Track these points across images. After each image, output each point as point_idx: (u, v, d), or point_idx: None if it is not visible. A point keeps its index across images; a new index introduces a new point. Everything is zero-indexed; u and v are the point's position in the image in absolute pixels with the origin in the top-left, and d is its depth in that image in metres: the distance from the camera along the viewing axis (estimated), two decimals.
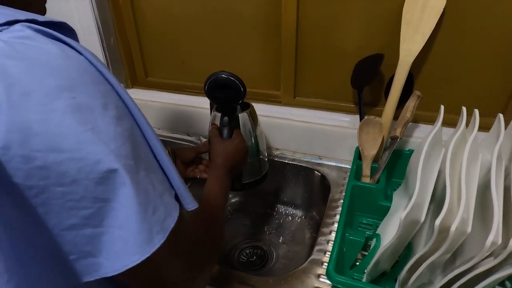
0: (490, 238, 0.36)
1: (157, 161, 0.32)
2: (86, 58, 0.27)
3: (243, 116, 0.68)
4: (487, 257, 0.39)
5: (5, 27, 0.24)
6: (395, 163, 0.74)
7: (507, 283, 0.47)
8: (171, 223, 0.30)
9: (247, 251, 0.86)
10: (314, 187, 0.87)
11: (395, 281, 0.52)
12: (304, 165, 0.87)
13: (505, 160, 0.46)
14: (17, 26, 0.25)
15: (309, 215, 0.90)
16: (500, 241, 0.37)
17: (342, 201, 0.73)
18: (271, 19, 0.82)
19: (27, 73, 0.23)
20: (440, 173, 0.47)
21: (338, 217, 0.69)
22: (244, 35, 0.87)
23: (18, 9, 0.28)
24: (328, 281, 0.55)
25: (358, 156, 0.73)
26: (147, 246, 0.27)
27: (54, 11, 0.95)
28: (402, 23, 0.72)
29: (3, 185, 0.23)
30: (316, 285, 0.55)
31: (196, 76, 0.96)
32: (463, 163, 0.41)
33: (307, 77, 0.86)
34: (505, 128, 0.46)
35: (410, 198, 0.56)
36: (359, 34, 0.77)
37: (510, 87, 0.72)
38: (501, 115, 0.48)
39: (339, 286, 0.47)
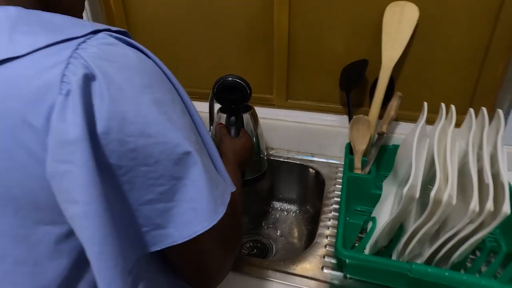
0: (472, 206, 0.44)
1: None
2: (153, 61, 0.33)
3: (246, 117, 0.74)
4: (467, 224, 0.48)
5: (91, 35, 0.29)
6: (381, 157, 0.83)
7: (485, 244, 0.57)
8: (227, 197, 0.35)
9: (248, 245, 0.91)
10: (308, 183, 0.94)
11: (390, 256, 0.60)
12: (298, 162, 0.94)
13: (476, 147, 0.55)
14: (101, 35, 0.30)
15: (303, 209, 0.97)
16: (478, 209, 0.45)
17: (336, 192, 0.81)
18: (264, 29, 0.90)
19: (119, 73, 0.28)
20: (426, 159, 0.55)
21: (334, 206, 0.76)
22: (238, 43, 0.94)
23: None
24: (332, 260, 0.62)
25: (349, 151, 0.82)
26: (214, 215, 0.33)
27: None
28: (383, 33, 0.82)
29: (101, 164, 0.27)
30: (322, 264, 0.61)
31: (191, 82, 1.01)
32: (447, 149, 0.50)
33: (298, 81, 0.94)
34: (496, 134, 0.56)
35: (399, 186, 0.65)
36: (345, 42, 0.86)
37: (473, 87, 0.83)
38: (472, 110, 0.58)
39: (347, 260, 0.54)
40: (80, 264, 0.31)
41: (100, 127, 0.27)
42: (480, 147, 0.54)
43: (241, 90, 0.66)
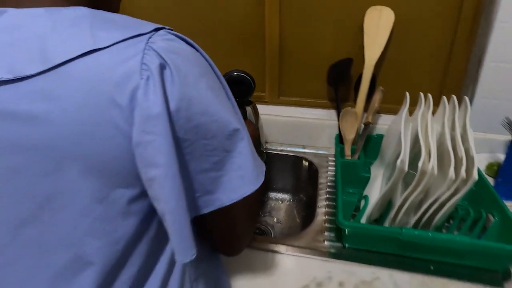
0: (450, 174, 0.54)
1: None
2: (200, 53, 0.39)
3: (248, 110, 0.81)
4: (445, 191, 0.57)
5: (154, 32, 0.35)
6: (367, 145, 0.92)
7: (458, 212, 0.67)
8: (264, 168, 0.43)
9: None
10: (301, 173, 1.02)
11: None
12: (291, 154, 1.02)
13: (449, 129, 0.65)
14: (161, 32, 0.36)
15: (297, 198, 1.05)
16: (454, 177, 0.55)
17: (329, 178, 0.89)
18: (256, 31, 0.98)
19: (183, 64, 0.35)
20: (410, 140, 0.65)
21: (328, 190, 0.84)
22: (231, 44, 1.01)
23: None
24: (331, 234, 0.70)
25: (339, 141, 0.91)
26: (256, 181, 0.40)
27: None
28: (364, 34, 0.92)
29: (173, 137, 0.33)
30: (323, 238, 0.69)
31: None
32: (428, 130, 0.59)
33: (289, 79, 1.03)
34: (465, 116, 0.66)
35: (385, 168, 0.74)
36: (332, 42, 0.95)
37: (443, 79, 0.94)
38: (445, 98, 0.68)
39: (348, 229, 0.62)
40: (144, 224, 0.37)
41: (172, 106, 0.33)
42: (453, 128, 0.64)
43: (246, 84, 0.73)
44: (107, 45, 0.32)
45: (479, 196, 0.71)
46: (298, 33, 0.96)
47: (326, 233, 0.71)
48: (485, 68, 0.87)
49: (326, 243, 0.69)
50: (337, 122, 0.95)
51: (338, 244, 0.68)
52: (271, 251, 0.66)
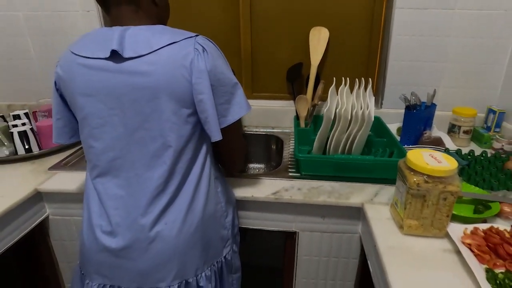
0: (359, 115, 0.92)
1: None
2: (217, 48, 0.75)
3: None
4: (355, 128, 0.95)
5: (196, 35, 0.71)
6: (314, 120, 1.30)
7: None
8: (249, 105, 0.78)
9: None
10: (271, 146, 1.38)
11: None
12: (263, 133, 1.38)
13: (361, 97, 1.05)
14: (200, 36, 0.71)
15: (269, 165, 1.41)
16: (360, 118, 0.93)
17: (291, 148, 1.25)
18: (234, 44, 1.36)
19: (211, 49, 0.70)
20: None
21: (290, 151, 1.20)
22: None
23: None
24: (294, 174, 1.06)
25: (296, 118, 1.28)
26: (248, 108, 0.76)
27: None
28: (310, 45, 1.33)
29: (209, 89, 0.69)
30: (288, 172, 1.05)
31: None
32: (344, 96, 0.98)
33: (259, 79, 1.41)
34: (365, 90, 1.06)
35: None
36: (289, 51, 1.36)
37: (365, 76, 1.36)
38: (357, 79, 1.08)
39: (301, 159, 0.98)
40: (193, 130, 0.71)
41: (208, 67, 0.68)
42: (363, 96, 1.03)
43: None
44: (176, 40, 0.68)
45: (389, 143, 1.11)
46: (264, 45, 1.36)
47: (289, 170, 1.07)
48: (389, 65, 1.30)
49: (289, 174, 1.04)
50: (294, 108, 1.34)
51: (297, 174, 1.03)
52: (255, 177, 1.01)
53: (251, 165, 1.43)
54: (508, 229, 0.75)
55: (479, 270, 0.65)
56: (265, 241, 1.47)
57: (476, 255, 0.69)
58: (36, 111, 1.38)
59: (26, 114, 1.32)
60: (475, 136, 1.28)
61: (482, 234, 0.74)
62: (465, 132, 1.25)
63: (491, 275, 0.63)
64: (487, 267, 0.66)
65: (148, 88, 0.67)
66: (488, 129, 1.28)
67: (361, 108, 0.95)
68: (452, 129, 1.27)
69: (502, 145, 1.17)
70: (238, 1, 1.32)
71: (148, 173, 0.72)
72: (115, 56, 0.67)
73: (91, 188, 0.77)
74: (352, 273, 1.03)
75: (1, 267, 1.29)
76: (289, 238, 1.01)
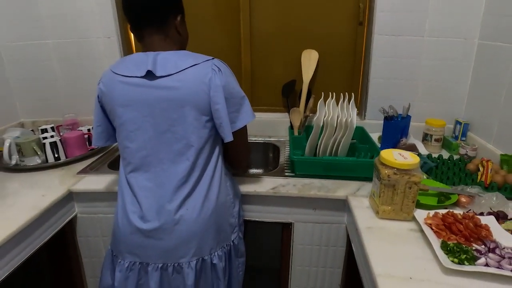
0: (343, 123, 1.12)
1: None
2: (229, 68, 0.94)
3: None
4: (340, 134, 1.14)
5: (213, 58, 0.90)
6: (306, 130, 1.50)
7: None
8: (255, 114, 0.97)
9: None
10: (269, 153, 1.56)
11: None
12: (261, 141, 1.57)
13: (344, 109, 1.24)
14: (216, 59, 0.90)
15: (267, 169, 1.59)
16: (343, 125, 1.13)
17: (286, 154, 1.44)
18: (235, 64, 1.57)
19: (225, 70, 0.90)
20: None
21: (286, 156, 1.39)
22: None
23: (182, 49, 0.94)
24: (290, 174, 1.24)
25: (291, 127, 1.48)
26: (253, 116, 0.95)
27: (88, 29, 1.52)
28: (302, 65, 1.53)
29: (223, 100, 0.87)
30: (285, 173, 1.23)
31: None
32: (330, 107, 1.18)
33: (258, 94, 1.61)
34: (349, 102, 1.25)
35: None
36: (284, 70, 1.57)
37: (349, 91, 1.57)
38: (342, 94, 1.28)
39: (296, 159, 1.17)
40: (210, 133, 0.90)
41: (222, 83, 0.87)
42: (346, 107, 1.23)
43: None
44: (198, 62, 0.87)
45: (371, 149, 1.30)
46: (262, 64, 1.57)
47: (285, 171, 1.25)
48: (371, 82, 1.51)
49: (285, 174, 1.23)
50: (289, 119, 1.53)
51: (292, 174, 1.22)
52: (257, 176, 1.19)
53: (251, 170, 1.60)
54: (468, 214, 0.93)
55: (435, 242, 0.83)
56: (264, 242, 1.63)
57: (435, 232, 0.87)
58: (59, 126, 1.55)
59: (52, 128, 1.49)
60: (445, 143, 1.49)
61: (441, 216, 0.92)
62: (436, 140, 1.45)
63: (444, 245, 0.81)
64: (443, 240, 0.84)
65: (176, 100, 0.86)
66: (456, 138, 1.48)
67: (344, 117, 1.15)
68: (425, 138, 1.47)
69: (466, 151, 1.37)
70: (240, 26, 1.54)
71: (173, 168, 0.90)
72: (150, 75, 0.86)
73: (124, 181, 0.94)
74: (340, 261, 1.20)
75: (34, 260, 1.44)
76: (285, 229, 1.18)
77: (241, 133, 0.97)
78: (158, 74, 0.86)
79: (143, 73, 0.86)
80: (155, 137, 0.89)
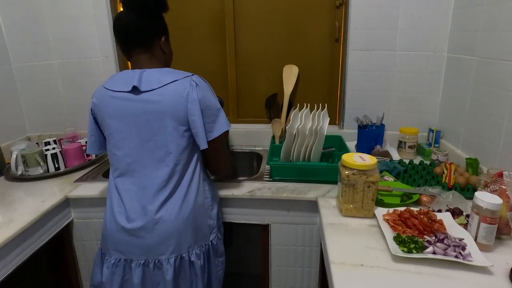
0: (313, 130, 1.22)
1: None
2: (207, 83, 1.06)
3: None
4: (311, 141, 1.25)
5: (191, 75, 1.01)
6: None
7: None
8: (230, 124, 1.08)
9: None
10: (253, 161, 1.67)
11: None
12: (247, 151, 1.68)
13: (316, 117, 1.35)
14: (195, 75, 1.02)
15: (251, 176, 1.68)
16: (314, 132, 1.23)
17: None
18: (222, 79, 1.69)
19: (202, 85, 1.01)
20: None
21: (267, 166, 1.49)
22: None
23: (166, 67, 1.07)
24: (268, 179, 1.34)
25: (273, 137, 1.59)
26: (228, 126, 1.05)
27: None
28: (283, 78, 1.66)
29: (199, 112, 0.99)
30: (263, 178, 1.33)
31: None
32: (303, 116, 1.29)
33: (243, 107, 1.73)
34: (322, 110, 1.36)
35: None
36: (267, 84, 1.69)
37: (329, 98, 1.68)
38: (315, 105, 1.39)
39: (272, 165, 1.27)
40: (188, 141, 1.00)
41: (199, 97, 0.98)
42: (318, 116, 1.34)
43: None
44: (177, 79, 0.99)
45: None
46: (247, 79, 1.70)
47: (264, 177, 1.35)
48: (347, 94, 1.62)
49: (264, 179, 1.32)
50: (271, 129, 1.64)
51: (270, 179, 1.32)
52: (238, 182, 1.29)
53: (239, 178, 1.70)
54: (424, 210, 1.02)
55: (389, 234, 0.91)
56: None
57: (391, 226, 0.96)
58: (61, 139, 1.69)
59: (55, 141, 1.62)
60: (420, 150, 1.58)
61: (398, 213, 1.00)
62: (410, 147, 1.54)
63: (397, 237, 0.90)
64: (398, 233, 0.93)
65: (157, 112, 0.97)
66: (430, 144, 1.57)
67: (315, 125, 1.25)
68: (400, 145, 1.57)
69: (438, 157, 1.45)
70: (225, 44, 1.67)
71: (155, 173, 1.00)
72: (135, 90, 0.98)
73: (112, 185, 1.05)
74: (316, 260, 1.28)
75: (34, 264, 1.54)
76: (263, 231, 1.27)
77: (218, 142, 1.07)
78: (142, 89, 0.98)
79: (130, 88, 0.98)
80: (140, 145, 1.00)
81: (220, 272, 1.17)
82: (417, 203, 1.11)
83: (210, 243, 1.10)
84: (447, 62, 1.53)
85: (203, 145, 1.00)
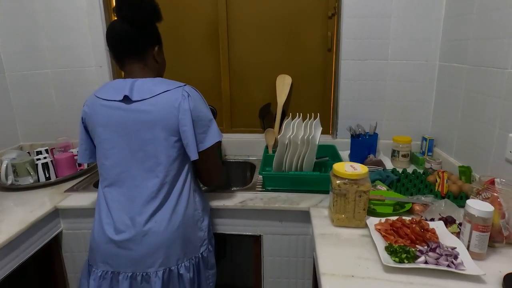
0: (305, 140, 1.22)
1: None
2: (199, 93, 1.05)
3: None
4: (303, 151, 1.24)
5: (184, 85, 1.01)
6: None
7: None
8: (222, 135, 1.07)
9: None
10: (247, 171, 1.65)
11: None
12: (241, 160, 1.67)
13: (308, 126, 1.34)
14: (187, 85, 1.02)
15: (245, 186, 1.67)
16: (306, 142, 1.22)
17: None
18: (216, 89, 1.69)
19: (194, 95, 1.00)
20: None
21: (259, 176, 1.48)
22: None
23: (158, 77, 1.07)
24: (261, 189, 1.33)
25: (266, 146, 1.58)
26: (220, 136, 1.04)
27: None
28: (276, 89, 1.66)
29: (190, 123, 0.98)
30: (256, 188, 1.31)
31: None
32: (295, 126, 1.28)
33: (237, 117, 1.73)
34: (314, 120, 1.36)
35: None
36: (260, 94, 1.69)
37: (322, 107, 1.68)
38: (308, 114, 1.39)
39: (264, 174, 1.25)
40: (178, 152, 0.99)
41: (191, 107, 0.98)
42: (310, 125, 1.33)
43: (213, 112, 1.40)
44: (170, 89, 0.99)
45: None
46: (240, 89, 1.70)
47: (257, 187, 1.34)
48: (340, 103, 1.62)
49: (257, 189, 1.31)
50: (265, 139, 1.63)
51: (263, 189, 1.30)
52: (229, 192, 1.28)
53: (232, 188, 1.69)
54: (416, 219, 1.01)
55: (381, 244, 0.90)
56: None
57: (383, 236, 0.94)
58: (53, 148, 1.67)
59: (46, 150, 1.61)
60: (413, 159, 1.57)
61: (390, 222, 0.99)
62: (403, 155, 1.53)
63: (388, 247, 0.88)
64: (390, 243, 0.91)
65: (148, 122, 0.97)
66: (423, 153, 1.56)
67: (306, 135, 1.25)
68: (393, 154, 1.56)
69: (431, 165, 1.45)
70: (219, 53, 1.68)
71: (144, 184, 0.99)
72: (127, 99, 0.98)
73: (101, 195, 1.03)
74: (309, 272, 1.26)
75: (23, 276, 1.51)
76: (255, 242, 1.25)
77: (209, 152, 1.06)
78: (133, 99, 0.97)
79: (121, 97, 0.98)
80: (129, 155, 0.99)
81: (211, 285, 1.14)
82: (410, 212, 1.10)
83: (201, 255, 1.08)
84: (439, 70, 1.54)
85: (194, 156, 0.99)
